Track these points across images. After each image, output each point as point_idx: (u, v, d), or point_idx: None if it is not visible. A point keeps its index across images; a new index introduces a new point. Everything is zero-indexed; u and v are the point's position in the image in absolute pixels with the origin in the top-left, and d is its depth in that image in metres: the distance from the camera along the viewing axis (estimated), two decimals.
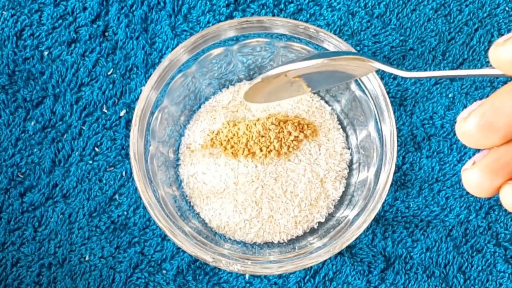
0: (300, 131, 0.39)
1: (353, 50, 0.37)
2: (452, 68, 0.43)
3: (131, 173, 0.41)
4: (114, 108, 0.42)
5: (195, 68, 0.39)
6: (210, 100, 0.42)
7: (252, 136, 0.38)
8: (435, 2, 0.43)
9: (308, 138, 0.39)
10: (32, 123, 0.41)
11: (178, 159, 0.41)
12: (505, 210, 0.42)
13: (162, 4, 0.43)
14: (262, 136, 0.38)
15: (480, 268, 0.41)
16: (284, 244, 0.39)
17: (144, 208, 0.40)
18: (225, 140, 0.39)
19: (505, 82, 0.43)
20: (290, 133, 0.39)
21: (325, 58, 0.30)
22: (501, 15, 0.43)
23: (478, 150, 0.26)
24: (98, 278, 0.40)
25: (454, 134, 0.42)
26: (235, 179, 0.39)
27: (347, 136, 0.41)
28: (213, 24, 0.42)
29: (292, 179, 0.39)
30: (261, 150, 0.38)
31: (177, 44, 0.41)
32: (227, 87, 0.42)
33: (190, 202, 0.40)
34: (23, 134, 0.41)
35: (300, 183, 0.39)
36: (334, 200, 0.40)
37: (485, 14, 0.43)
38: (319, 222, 0.39)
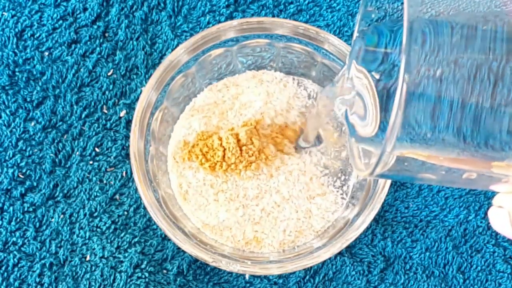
0: (281, 137, 0.39)
1: None
2: None
3: (131, 173, 0.41)
4: (114, 109, 0.42)
5: (195, 69, 0.39)
6: (189, 105, 0.40)
7: (229, 147, 0.37)
8: None
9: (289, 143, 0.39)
10: (33, 124, 0.41)
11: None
12: None
13: (162, 5, 0.43)
14: (240, 148, 0.37)
15: (479, 268, 0.41)
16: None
17: (145, 208, 0.40)
18: (200, 154, 0.38)
19: None
20: (269, 142, 0.38)
21: None
22: None
23: None
24: (99, 277, 0.40)
25: None
26: (215, 197, 0.38)
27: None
28: (213, 25, 0.42)
29: (276, 201, 0.38)
30: (240, 162, 0.37)
31: (177, 45, 0.41)
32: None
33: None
34: (23, 135, 0.41)
35: (285, 208, 0.38)
36: (322, 229, 0.39)
37: None
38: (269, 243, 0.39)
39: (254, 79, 0.40)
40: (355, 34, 0.28)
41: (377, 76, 0.25)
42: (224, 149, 0.37)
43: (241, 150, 0.37)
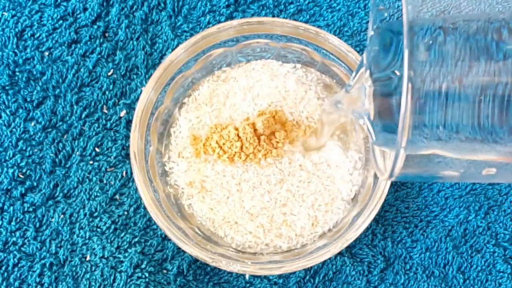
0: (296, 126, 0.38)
1: (353, 51, 0.37)
2: None
3: (131, 173, 0.41)
4: (114, 109, 0.42)
5: (195, 69, 0.39)
6: (191, 96, 0.39)
7: (246, 138, 0.36)
8: None
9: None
10: (33, 124, 0.41)
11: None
12: (504, 210, 0.42)
13: (162, 5, 0.43)
14: (257, 137, 0.37)
15: (479, 268, 0.41)
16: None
17: (145, 208, 0.40)
18: (217, 147, 0.37)
19: None
20: (285, 130, 0.38)
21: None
22: None
23: None
24: (99, 277, 0.40)
25: None
26: (238, 187, 0.37)
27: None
28: (213, 25, 0.42)
29: (301, 179, 0.37)
30: (259, 151, 0.37)
31: (178, 45, 0.41)
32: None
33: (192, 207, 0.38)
34: (24, 135, 0.41)
35: (310, 182, 0.37)
36: (349, 194, 0.38)
37: None
38: (297, 234, 0.38)
39: (264, 68, 0.39)
40: (369, 34, 0.27)
41: (398, 74, 0.25)
42: (242, 139, 0.36)
43: (258, 139, 0.36)
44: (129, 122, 0.42)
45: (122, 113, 0.42)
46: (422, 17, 0.21)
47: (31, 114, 0.42)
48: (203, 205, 0.37)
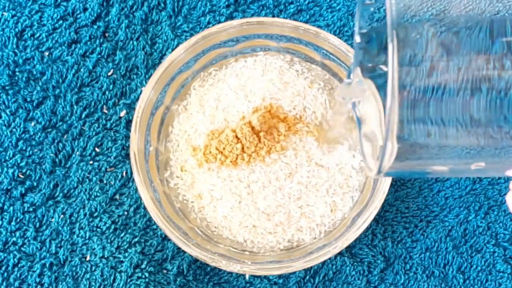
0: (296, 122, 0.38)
1: (353, 51, 0.37)
2: None
3: (131, 173, 0.41)
4: (114, 109, 0.42)
5: (195, 69, 0.39)
6: (180, 106, 0.39)
7: (245, 137, 0.36)
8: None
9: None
10: (33, 124, 0.41)
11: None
12: (504, 210, 0.42)
13: (162, 5, 0.43)
14: (257, 134, 0.36)
15: (479, 268, 0.41)
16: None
17: (145, 208, 0.40)
18: (218, 153, 0.36)
19: None
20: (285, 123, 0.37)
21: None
22: None
23: None
24: (99, 277, 0.40)
25: None
26: (248, 189, 0.36)
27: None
28: (213, 25, 0.42)
29: (309, 169, 0.37)
30: (261, 149, 0.36)
31: (178, 45, 0.41)
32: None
33: (194, 208, 0.38)
34: (24, 135, 0.41)
35: (319, 169, 0.37)
36: (359, 173, 0.37)
37: None
38: (318, 224, 0.39)
39: (256, 64, 0.39)
40: (357, 30, 0.27)
41: (385, 69, 0.25)
42: (241, 140, 0.35)
43: (258, 136, 0.36)
44: (129, 122, 0.42)
45: (122, 113, 0.42)
46: (407, 12, 0.21)
47: (31, 114, 0.42)
48: (216, 214, 0.37)
